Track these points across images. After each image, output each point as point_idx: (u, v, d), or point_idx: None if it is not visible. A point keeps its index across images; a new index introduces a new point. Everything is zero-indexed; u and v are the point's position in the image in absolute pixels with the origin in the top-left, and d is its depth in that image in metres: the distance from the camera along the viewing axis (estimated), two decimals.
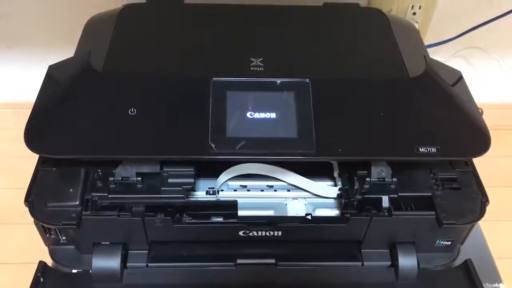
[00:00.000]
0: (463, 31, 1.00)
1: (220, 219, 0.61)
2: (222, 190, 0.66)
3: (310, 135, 0.58)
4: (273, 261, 0.63)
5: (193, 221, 0.60)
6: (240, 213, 0.62)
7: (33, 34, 1.10)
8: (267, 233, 0.61)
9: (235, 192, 0.66)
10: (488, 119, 0.64)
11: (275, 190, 0.66)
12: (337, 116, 0.60)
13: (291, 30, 0.71)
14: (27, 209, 0.58)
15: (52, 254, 0.64)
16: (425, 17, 0.96)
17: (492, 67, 1.18)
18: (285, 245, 0.64)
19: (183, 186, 0.60)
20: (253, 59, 0.64)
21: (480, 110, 0.65)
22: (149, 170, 0.60)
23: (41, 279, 0.60)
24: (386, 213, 0.60)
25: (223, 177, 0.65)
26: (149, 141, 0.57)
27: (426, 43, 0.80)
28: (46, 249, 0.64)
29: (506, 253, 0.85)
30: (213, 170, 0.65)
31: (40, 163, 0.62)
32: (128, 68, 0.64)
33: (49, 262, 0.63)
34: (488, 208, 0.61)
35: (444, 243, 0.64)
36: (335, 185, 0.65)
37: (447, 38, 1.01)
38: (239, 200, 0.63)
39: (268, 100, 0.60)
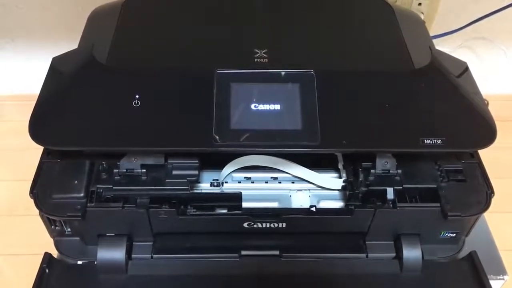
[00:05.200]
0: (469, 21, 0.99)
1: (225, 211, 0.61)
2: (226, 182, 0.66)
3: (315, 127, 0.58)
4: (277, 252, 0.63)
5: (197, 213, 0.60)
6: (245, 205, 0.62)
7: (37, 26, 1.10)
8: (272, 225, 0.61)
9: (239, 184, 0.66)
10: (494, 110, 0.64)
11: (280, 182, 0.66)
12: (341, 107, 0.60)
13: (295, 21, 0.71)
14: (32, 201, 0.59)
15: (57, 245, 0.64)
16: (431, 8, 0.96)
17: (498, 57, 1.17)
18: (289, 236, 0.64)
19: (188, 178, 0.60)
20: (257, 51, 0.64)
21: (485, 101, 0.64)
22: (153, 162, 0.60)
23: (47, 271, 0.61)
24: (391, 205, 0.60)
25: (227, 169, 0.65)
26: (153, 133, 0.57)
27: (431, 34, 0.80)
28: (51, 240, 0.64)
29: (511, 245, 0.85)
30: (217, 162, 0.65)
31: (45, 155, 0.62)
32: (132, 60, 0.64)
33: (55, 253, 0.63)
34: (493, 200, 0.61)
35: (449, 235, 0.64)
36: (340, 177, 0.65)
37: (453, 29, 1.01)
38: (244, 192, 0.63)
39: (272, 91, 0.60)
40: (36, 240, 0.64)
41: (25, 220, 0.91)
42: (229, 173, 0.66)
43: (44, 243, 0.64)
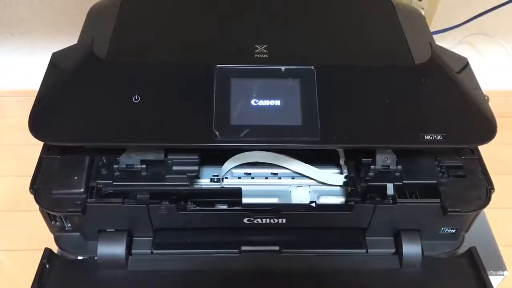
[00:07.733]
0: (469, 17, 0.99)
1: (225, 207, 0.61)
2: (226, 178, 0.66)
3: (315, 123, 0.58)
4: (277, 248, 0.63)
5: (197, 208, 0.60)
6: (245, 200, 0.62)
7: (36, 21, 1.10)
8: (272, 221, 0.61)
9: (239, 180, 0.66)
10: (494, 106, 0.64)
11: (280, 178, 0.66)
12: (342, 103, 0.60)
13: (295, 16, 0.71)
14: (32, 196, 0.59)
15: (57, 241, 0.64)
16: (431, 3, 0.95)
17: (498, 53, 1.17)
18: (289, 232, 0.64)
19: (188, 174, 0.60)
20: (257, 46, 0.64)
21: (486, 97, 0.64)
22: (153, 157, 0.60)
23: (47, 266, 0.61)
24: (391, 201, 0.60)
25: (227, 164, 0.65)
26: (153, 129, 0.57)
27: (432, 29, 0.80)
28: (51, 236, 0.64)
29: (511, 241, 0.85)
30: (217, 158, 0.65)
31: (45, 150, 0.62)
32: (132, 55, 0.64)
33: (55, 249, 0.63)
34: (493, 196, 0.61)
35: (448, 230, 0.64)
36: (341, 173, 0.65)
37: (453, 25, 1.00)
38: (244, 188, 0.63)
39: (272, 87, 0.60)
40: (37, 236, 0.64)
41: (26, 215, 0.91)
42: (229, 169, 0.66)
43: (44, 238, 0.64)
